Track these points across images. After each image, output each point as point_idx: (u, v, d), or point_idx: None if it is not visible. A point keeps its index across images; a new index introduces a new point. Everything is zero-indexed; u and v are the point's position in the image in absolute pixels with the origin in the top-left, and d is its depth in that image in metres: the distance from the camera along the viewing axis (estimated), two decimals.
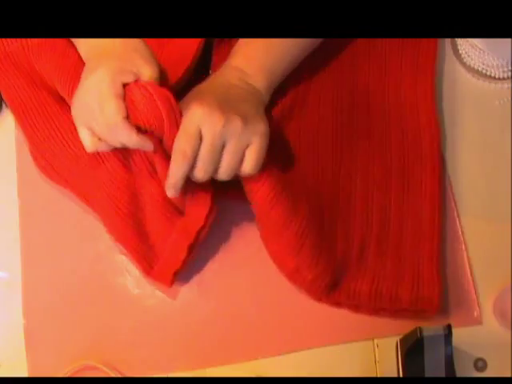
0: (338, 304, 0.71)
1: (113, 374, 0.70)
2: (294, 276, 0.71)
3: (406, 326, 0.69)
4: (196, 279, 0.74)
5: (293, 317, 0.72)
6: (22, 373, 0.71)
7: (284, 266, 0.71)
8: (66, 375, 0.70)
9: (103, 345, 0.72)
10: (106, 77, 0.63)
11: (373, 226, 0.73)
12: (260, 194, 0.67)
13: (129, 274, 0.74)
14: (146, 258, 0.71)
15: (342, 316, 0.72)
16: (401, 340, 0.69)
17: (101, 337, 0.72)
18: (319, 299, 0.71)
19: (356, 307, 0.71)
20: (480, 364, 0.70)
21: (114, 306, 0.73)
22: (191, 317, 0.72)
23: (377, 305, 0.70)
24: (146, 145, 0.64)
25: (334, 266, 0.70)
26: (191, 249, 0.70)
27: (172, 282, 0.71)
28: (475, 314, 0.72)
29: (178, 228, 0.70)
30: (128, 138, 0.63)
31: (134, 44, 0.66)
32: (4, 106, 0.79)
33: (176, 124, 0.63)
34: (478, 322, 0.72)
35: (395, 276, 0.71)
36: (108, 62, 0.64)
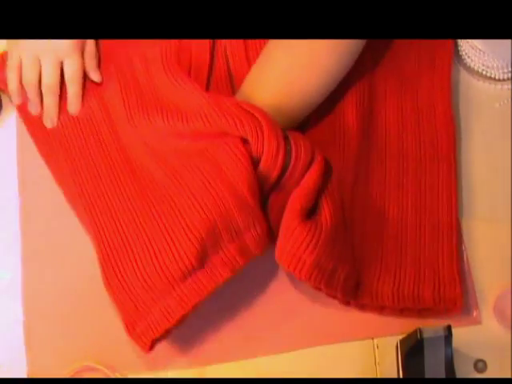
0: (363, 307, 0.71)
1: (112, 375, 0.70)
2: (313, 273, 0.67)
3: (407, 325, 0.69)
4: None
5: (294, 315, 0.72)
6: (22, 373, 0.71)
7: (303, 264, 0.67)
8: (66, 376, 0.70)
9: (103, 346, 0.72)
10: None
11: (389, 226, 0.73)
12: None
13: None
14: (131, 314, 0.67)
15: (342, 315, 0.72)
16: (401, 341, 0.69)
17: (101, 338, 0.72)
18: (347, 302, 0.71)
19: (381, 309, 0.71)
20: (480, 365, 0.70)
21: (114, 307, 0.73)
22: (191, 315, 0.72)
23: (400, 305, 0.70)
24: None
25: (353, 262, 0.70)
26: (183, 319, 0.67)
27: (150, 349, 0.67)
28: (474, 313, 0.72)
29: (174, 293, 0.66)
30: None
31: None
32: (4, 105, 0.80)
33: None
34: (478, 321, 0.72)
35: (416, 276, 0.71)
36: None
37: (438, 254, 0.72)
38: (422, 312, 0.71)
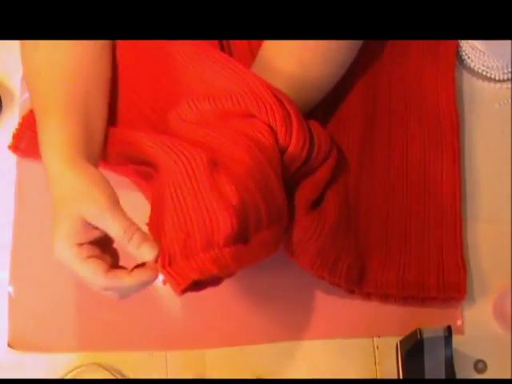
0: (368, 295, 0.71)
1: (111, 376, 0.70)
2: (316, 263, 0.67)
3: (407, 325, 0.69)
4: None
5: (296, 306, 0.73)
6: (22, 374, 0.71)
7: (306, 253, 0.67)
8: (65, 376, 0.70)
9: (102, 345, 0.72)
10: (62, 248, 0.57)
11: (393, 214, 0.73)
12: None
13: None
14: (176, 246, 0.59)
15: (343, 310, 0.72)
16: (401, 341, 0.69)
17: (99, 337, 0.72)
18: (351, 291, 0.71)
19: (385, 297, 0.71)
20: (480, 365, 0.70)
21: (113, 304, 0.72)
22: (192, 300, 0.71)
23: (405, 293, 0.70)
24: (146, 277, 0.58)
25: (356, 250, 0.70)
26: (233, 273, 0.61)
27: (184, 291, 0.58)
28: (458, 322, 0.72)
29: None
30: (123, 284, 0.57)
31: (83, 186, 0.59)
32: (4, 105, 0.80)
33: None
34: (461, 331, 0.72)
35: (420, 263, 0.71)
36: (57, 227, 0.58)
37: (442, 240, 0.72)
38: (425, 301, 0.71)
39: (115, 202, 0.58)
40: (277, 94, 0.65)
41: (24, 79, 0.77)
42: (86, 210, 0.57)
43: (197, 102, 0.67)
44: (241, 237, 0.60)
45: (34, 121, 0.69)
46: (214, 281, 0.61)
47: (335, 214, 0.68)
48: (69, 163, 0.60)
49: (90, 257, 0.56)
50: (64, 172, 0.60)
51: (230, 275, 0.61)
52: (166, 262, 0.58)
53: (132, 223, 0.57)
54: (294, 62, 0.70)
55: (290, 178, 0.67)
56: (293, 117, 0.64)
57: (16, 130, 0.77)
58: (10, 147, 0.77)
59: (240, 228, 0.59)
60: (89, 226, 0.57)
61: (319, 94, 0.73)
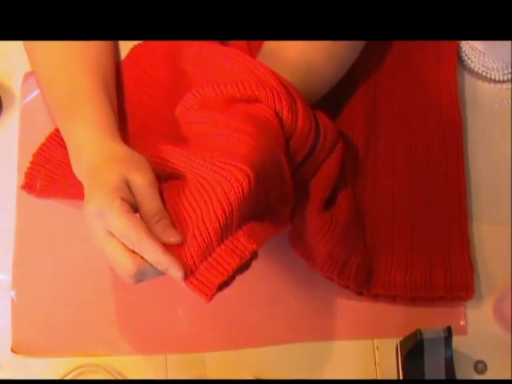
0: (376, 297, 0.71)
1: (111, 376, 0.70)
2: (327, 263, 0.68)
3: (407, 326, 0.69)
4: None
5: (296, 309, 0.73)
6: (23, 374, 0.71)
7: (316, 254, 0.68)
8: (65, 377, 0.70)
9: (104, 350, 0.72)
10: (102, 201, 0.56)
11: (399, 215, 0.74)
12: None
13: None
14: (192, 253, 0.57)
15: (344, 313, 0.72)
16: (401, 342, 0.69)
17: (102, 342, 0.72)
18: (360, 292, 0.71)
19: (393, 298, 0.71)
20: (480, 366, 0.70)
21: (114, 309, 0.73)
22: (192, 303, 0.72)
23: (413, 294, 0.70)
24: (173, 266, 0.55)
25: (364, 251, 0.71)
26: (254, 255, 0.58)
27: (212, 295, 0.56)
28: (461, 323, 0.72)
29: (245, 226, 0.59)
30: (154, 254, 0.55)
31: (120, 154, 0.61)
32: (4, 106, 0.80)
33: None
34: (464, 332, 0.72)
35: (428, 263, 0.71)
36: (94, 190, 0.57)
37: (448, 240, 0.72)
38: (434, 301, 0.71)
39: (156, 183, 0.59)
40: (282, 81, 0.64)
41: (35, 76, 0.76)
42: (133, 176, 0.57)
43: (200, 90, 0.66)
44: (252, 213, 0.59)
45: (47, 158, 0.74)
46: (242, 269, 0.59)
47: (347, 215, 0.68)
48: (114, 136, 0.64)
49: (130, 212, 0.56)
50: (109, 142, 0.63)
51: (254, 257, 0.58)
52: (187, 271, 0.56)
53: (165, 209, 0.58)
54: (300, 54, 0.69)
55: (297, 175, 0.67)
56: (298, 103, 0.64)
57: (28, 168, 0.75)
58: (23, 187, 0.74)
59: (253, 194, 0.57)
60: (128, 191, 0.57)
61: (323, 88, 0.72)
